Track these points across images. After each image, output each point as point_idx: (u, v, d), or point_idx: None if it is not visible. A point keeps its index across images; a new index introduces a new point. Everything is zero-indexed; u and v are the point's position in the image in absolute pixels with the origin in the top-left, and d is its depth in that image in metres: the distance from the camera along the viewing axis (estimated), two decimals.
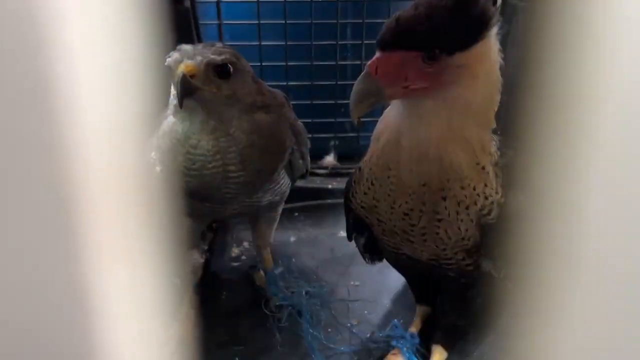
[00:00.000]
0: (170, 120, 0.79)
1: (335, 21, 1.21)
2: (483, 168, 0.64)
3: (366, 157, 0.71)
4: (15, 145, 0.25)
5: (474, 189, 0.64)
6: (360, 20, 1.21)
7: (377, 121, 0.70)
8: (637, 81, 0.26)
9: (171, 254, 0.34)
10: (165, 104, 0.80)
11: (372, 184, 0.70)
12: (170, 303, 0.34)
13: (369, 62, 0.60)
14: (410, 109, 0.62)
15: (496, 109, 0.63)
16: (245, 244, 1.15)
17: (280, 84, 1.19)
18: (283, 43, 1.22)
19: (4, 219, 0.26)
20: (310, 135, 0.99)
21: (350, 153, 1.33)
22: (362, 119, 0.63)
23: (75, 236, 0.26)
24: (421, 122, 0.62)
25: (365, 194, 0.72)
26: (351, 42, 1.25)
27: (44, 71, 0.23)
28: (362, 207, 0.74)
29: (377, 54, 0.60)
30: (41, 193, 0.26)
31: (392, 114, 0.66)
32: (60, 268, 0.27)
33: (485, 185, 0.65)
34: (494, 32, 0.59)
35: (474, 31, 0.58)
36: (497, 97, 0.62)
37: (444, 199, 0.64)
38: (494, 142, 0.67)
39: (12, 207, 0.26)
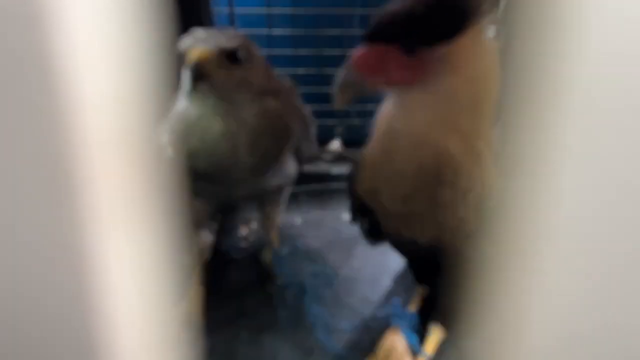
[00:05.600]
0: (182, 104, 0.81)
1: (347, 9, 1.22)
2: (480, 155, 0.64)
3: (368, 145, 0.72)
4: (13, 109, 0.25)
5: (471, 176, 0.64)
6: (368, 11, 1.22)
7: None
8: (607, 71, 0.26)
9: (180, 233, 0.35)
10: (177, 87, 0.82)
11: (374, 171, 0.71)
12: (179, 280, 0.35)
13: (352, 53, 0.59)
14: (399, 100, 0.62)
15: (495, 100, 0.61)
16: (253, 224, 1.18)
17: (289, 71, 1.20)
18: (292, 31, 1.23)
19: (2, 180, 0.26)
20: (317, 122, 1.01)
21: (356, 139, 1.33)
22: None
23: (73, 197, 0.26)
24: (410, 112, 0.61)
25: (367, 180, 0.73)
26: (359, 32, 1.26)
27: (41, 37, 0.23)
28: (364, 192, 0.75)
29: (360, 45, 0.59)
30: (39, 155, 0.25)
31: (388, 103, 0.66)
32: (57, 228, 0.27)
33: (483, 172, 0.65)
34: (483, 22, 0.57)
35: (455, 22, 0.55)
36: (493, 88, 0.61)
37: (442, 185, 0.65)
38: (496, 131, 0.67)
39: (7, 166, 0.26)
